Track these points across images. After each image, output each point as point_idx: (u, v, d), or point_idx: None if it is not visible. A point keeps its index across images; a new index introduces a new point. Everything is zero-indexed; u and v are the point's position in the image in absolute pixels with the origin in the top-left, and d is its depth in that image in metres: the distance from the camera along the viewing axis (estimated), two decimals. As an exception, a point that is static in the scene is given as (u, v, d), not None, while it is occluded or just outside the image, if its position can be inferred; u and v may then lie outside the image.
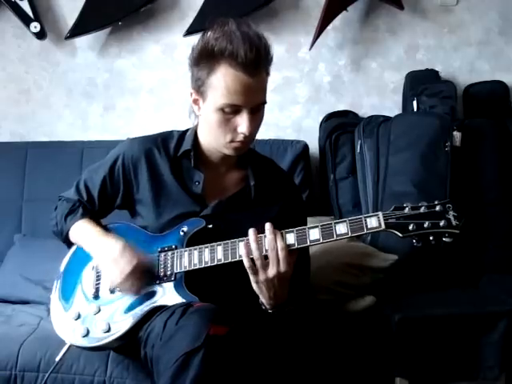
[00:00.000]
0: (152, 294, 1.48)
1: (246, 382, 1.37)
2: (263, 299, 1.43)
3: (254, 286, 1.41)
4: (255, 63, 1.40)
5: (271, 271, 1.37)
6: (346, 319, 1.86)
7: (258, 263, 1.38)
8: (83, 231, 1.60)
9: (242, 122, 1.43)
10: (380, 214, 1.37)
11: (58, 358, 1.50)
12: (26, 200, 2.44)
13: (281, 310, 1.44)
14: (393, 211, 1.37)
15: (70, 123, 2.70)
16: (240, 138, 1.46)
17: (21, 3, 2.52)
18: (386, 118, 2.44)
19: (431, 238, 1.35)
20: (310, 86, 2.67)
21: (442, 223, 1.34)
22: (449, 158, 2.27)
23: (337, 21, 2.57)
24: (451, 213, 1.35)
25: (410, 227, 1.35)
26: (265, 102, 1.48)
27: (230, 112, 1.43)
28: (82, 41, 2.64)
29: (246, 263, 1.38)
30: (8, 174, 2.48)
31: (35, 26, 2.54)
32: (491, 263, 2.27)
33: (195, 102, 1.51)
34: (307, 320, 1.54)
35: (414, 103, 2.49)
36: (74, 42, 2.64)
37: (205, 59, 1.44)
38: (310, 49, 2.58)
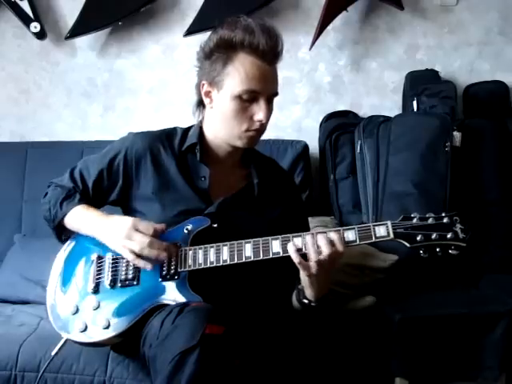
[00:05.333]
0: (154, 292, 1.46)
1: (242, 381, 1.36)
2: (312, 292, 1.42)
3: (306, 280, 1.40)
4: (273, 52, 1.47)
5: (326, 266, 1.37)
6: (346, 319, 1.86)
7: (315, 262, 1.36)
8: (84, 216, 1.55)
9: (259, 110, 1.47)
10: (389, 223, 1.38)
11: (53, 353, 1.49)
12: (25, 200, 2.44)
13: (322, 301, 1.44)
14: (401, 221, 1.38)
15: (69, 123, 2.70)
16: (256, 126, 1.48)
17: (21, 3, 2.52)
18: (386, 118, 2.44)
19: (438, 249, 1.36)
20: (310, 86, 2.67)
21: (449, 235, 1.35)
22: (449, 158, 2.27)
23: (337, 21, 2.57)
24: (458, 225, 1.37)
25: (418, 238, 1.36)
26: (277, 93, 1.52)
27: (247, 99, 1.46)
28: (82, 41, 2.64)
29: (296, 259, 1.37)
30: (8, 174, 2.48)
31: (35, 26, 2.54)
32: (491, 263, 2.27)
33: (207, 94, 1.52)
34: (307, 320, 1.54)
35: (414, 103, 2.49)
36: (74, 42, 2.65)
37: (222, 50, 1.47)
38: (310, 49, 2.58)
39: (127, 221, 1.46)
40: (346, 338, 1.73)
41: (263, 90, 1.46)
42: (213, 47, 1.48)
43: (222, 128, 1.52)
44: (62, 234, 1.62)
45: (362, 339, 1.83)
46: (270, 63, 1.48)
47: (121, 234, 1.45)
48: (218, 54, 1.48)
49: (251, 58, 1.45)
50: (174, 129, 1.65)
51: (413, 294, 2.02)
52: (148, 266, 1.45)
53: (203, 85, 1.52)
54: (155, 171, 1.56)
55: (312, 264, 1.37)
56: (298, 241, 1.39)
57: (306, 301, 1.45)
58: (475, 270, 2.25)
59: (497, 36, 2.66)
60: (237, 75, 1.45)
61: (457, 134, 2.32)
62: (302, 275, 1.41)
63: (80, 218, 1.56)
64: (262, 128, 1.50)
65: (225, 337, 1.28)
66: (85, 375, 1.59)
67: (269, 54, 1.46)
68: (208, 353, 1.24)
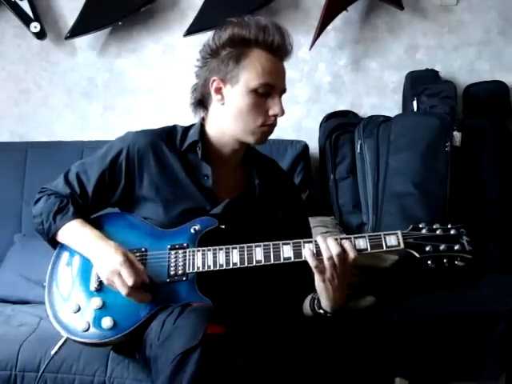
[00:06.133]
0: (161, 293, 1.44)
1: (243, 381, 1.35)
2: (327, 301, 1.42)
3: (320, 286, 1.40)
4: (286, 48, 1.51)
5: (339, 270, 1.37)
6: (346, 319, 1.86)
7: (329, 263, 1.36)
8: (77, 234, 1.50)
9: (274, 104, 1.49)
10: (399, 232, 1.40)
11: (53, 352, 1.46)
12: (26, 200, 2.43)
13: (338, 313, 1.44)
14: (410, 231, 1.40)
15: (69, 123, 2.70)
16: (271, 120, 1.50)
17: (21, 3, 2.52)
18: (386, 118, 2.44)
19: (445, 260, 1.39)
20: (310, 86, 2.67)
21: (456, 247, 1.38)
22: (449, 158, 2.27)
23: (337, 21, 2.58)
24: (465, 238, 1.40)
25: (427, 248, 1.38)
26: (286, 90, 1.55)
27: (263, 93, 1.47)
28: (82, 41, 2.65)
29: (312, 263, 1.37)
30: (8, 173, 2.48)
31: (35, 26, 2.55)
32: (491, 263, 2.27)
33: (217, 90, 1.50)
34: (307, 320, 1.54)
35: (414, 103, 2.49)
36: (74, 41, 2.65)
37: (236, 46, 1.48)
38: (310, 49, 2.58)
39: (113, 261, 1.42)
40: (345, 337, 1.73)
41: (278, 84, 1.50)
42: (224, 43, 1.48)
43: (234, 124, 1.51)
44: (57, 244, 1.58)
45: (363, 339, 1.82)
46: (282, 59, 1.52)
47: (105, 271, 1.43)
48: (230, 50, 1.48)
49: (265, 54, 1.48)
50: (174, 127, 1.62)
51: (413, 294, 2.02)
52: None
53: (214, 81, 1.50)
54: (158, 169, 1.54)
55: (326, 265, 1.36)
56: (310, 246, 1.40)
57: (321, 311, 1.45)
58: (475, 269, 2.25)
59: (497, 36, 2.66)
60: (253, 69, 1.46)
61: (457, 134, 2.32)
62: (317, 281, 1.40)
63: (73, 236, 1.51)
64: (275, 123, 1.52)
65: (226, 337, 1.28)
66: (85, 375, 1.58)
67: (281, 50, 1.50)
68: (209, 353, 1.24)
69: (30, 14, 2.54)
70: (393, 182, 2.29)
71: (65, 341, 1.46)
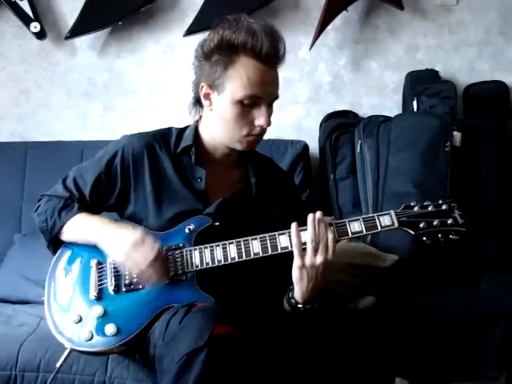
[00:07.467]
0: (162, 295, 1.44)
1: (248, 380, 1.36)
2: (299, 291, 1.41)
3: (297, 272, 1.39)
4: (276, 55, 1.45)
5: (319, 257, 1.37)
6: (346, 319, 1.86)
7: (311, 246, 1.37)
8: (86, 223, 1.51)
9: (260, 115, 1.45)
10: (392, 212, 1.42)
11: (58, 364, 1.45)
12: (25, 200, 2.43)
13: (309, 307, 1.43)
14: (403, 209, 1.43)
15: (69, 123, 2.70)
16: (257, 131, 1.47)
17: (21, 3, 2.52)
18: (386, 118, 2.44)
19: (440, 235, 1.42)
20: (310, 86, 2.67)
21: (449, 221, 1.41)
22: (449, 158, 2.27)
23: (337, 21, 2.58)
24: (457, 212, 1.44)
25: (421, 225, 1.41)
26: (278, 97, 1.50)
27: (248, 104, 1.44)
28: (82, 41, 2.65)
29: (296, 244, 1.38)
30: (8, 173, 2.48)
31: (35, 26, 2.54)
32: (491, 263, 2.27)
33: (206, 96, 1.49)
34: (308, 320, 1.54)
35: (414, 103, 2.49)
36: (74, 41, 2.65)
37: (224, 52, 1.44)
38: (310, 49, 2.58)
39: (135, 233, 1.42)
40: (346, 337, 1.73)
41: (265, 95, 1.44)
42: (214, 47, 1.45)
43: (221, 131, 1.50)
44: (58, 247, 1.58)
45: (362, 339, 1.83)
46: (273, 67, 1.46)
47: (122, 251, 1.42)
48: (218, 56, 1.45)
49: (253, 62, 1.42)
50: (169, 129, 1.62)
51: (413, 294, 2.02)
52: (150, 282, 1.43)
53: (202, 87, 1.49)
54: (153, 171, 1.54)
55: (308, 249, 1.37)
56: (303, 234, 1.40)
57: (293, 301, 1.44)
58: (475, 269, 2.25)
59: (497, 36, 2.66)
60: (239, 79, 1.42)
61: (457, 134, 2.32)
62: (294, 267, 1.39)
63: (82, 226, 1.52)
64: (263, 132, 1.49)
65: (232, 337, 1.28)
66: (85, 375, 1.58)
67: (271, 57, 1.44)
68: (215, 353, 1.24)
69: (30, 14, 2.53)
70: (393, 182, 2.29)
71: (69, 353, 1.45)
